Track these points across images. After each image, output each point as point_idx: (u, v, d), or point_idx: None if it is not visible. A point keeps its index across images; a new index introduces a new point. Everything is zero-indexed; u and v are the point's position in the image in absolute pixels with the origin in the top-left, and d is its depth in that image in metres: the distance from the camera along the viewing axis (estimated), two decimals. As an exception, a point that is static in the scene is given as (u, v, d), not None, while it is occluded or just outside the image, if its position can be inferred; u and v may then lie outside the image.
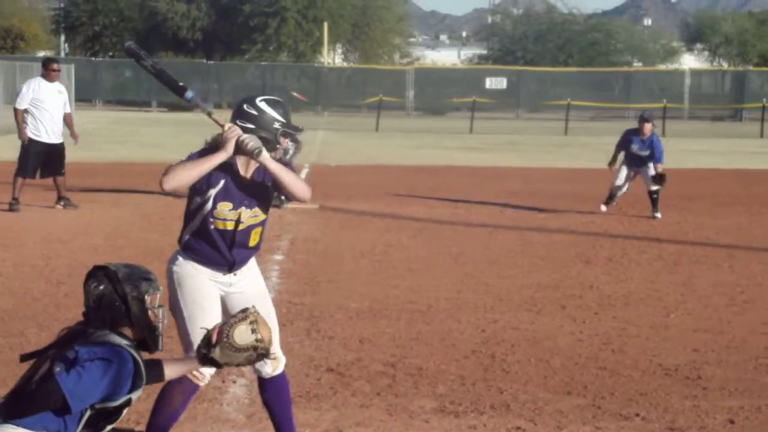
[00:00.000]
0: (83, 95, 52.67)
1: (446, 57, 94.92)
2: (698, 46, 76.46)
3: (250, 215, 5.97)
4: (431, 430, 6.92)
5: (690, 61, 75.29)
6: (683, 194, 21.41)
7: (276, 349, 6.02)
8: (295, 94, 48.00)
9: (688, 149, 35.22)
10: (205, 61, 64.78)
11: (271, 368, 6.18)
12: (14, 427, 4.83)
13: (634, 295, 11.41)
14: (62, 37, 75.90)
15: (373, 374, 8.18)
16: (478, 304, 10.80)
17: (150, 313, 5.11)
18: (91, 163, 25.50)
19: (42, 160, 17.19)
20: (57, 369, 4.85)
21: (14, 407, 4.88)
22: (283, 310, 10.27)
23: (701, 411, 7.42)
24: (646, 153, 17.96)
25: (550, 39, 73.56)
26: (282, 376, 6.26)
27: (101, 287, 5.01)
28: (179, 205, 19.19)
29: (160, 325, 5.17)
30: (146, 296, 5.06)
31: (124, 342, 5.01)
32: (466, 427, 7.00)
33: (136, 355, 5.02)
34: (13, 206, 16.93)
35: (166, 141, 34.60)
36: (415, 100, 61.10)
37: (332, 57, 70.89)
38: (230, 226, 5.91)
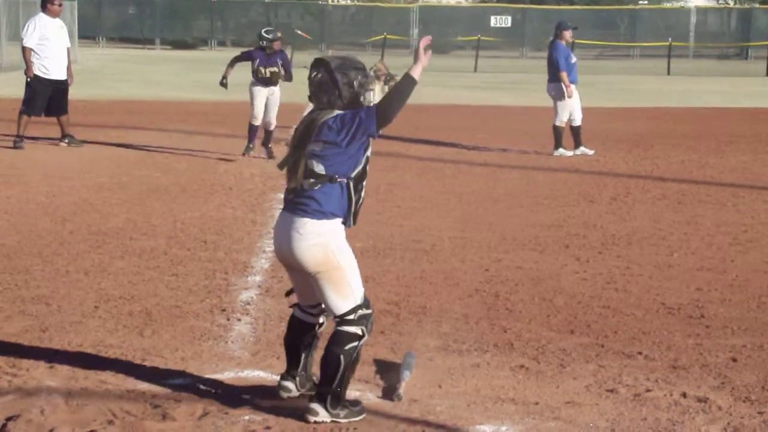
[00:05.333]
0: (86, 32, 52.31)
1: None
2: (704, -17, 75.93)
3: None
4: (435, 368, 6.96)
5: (696, -1, 74.79)
6: (688, 133, 21.38)
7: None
8: (299, 32, 47.79)
9: (693, 88, 35.08)
10: (208, -2, 64.33)
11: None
12: (305, 219, 6.10)
13: (637, 234, 11.42)
14: (65, -27, 75.42)
15: (378, 313, 8.18)
16: (482, 243, 10.82)
17: (360, 96, 6.09)
18: (95, 101, 25.46)
19: (48, 98, 17.18)
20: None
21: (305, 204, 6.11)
22: (288, 249, 10.29)
23: (704, 349, 7.45)
24: (574, 59, 17.91)
25: (555, -24, 73.03)
26: None
27: (319, 75, 6.03)
28: (183, 141, 19.13)
29: (370, 104, 6.09)
30: (355, 82, 6.03)
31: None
32: (470, 365, 7.03)
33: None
34: (17, 143, 16.92)
35: (170, 79, 34.50)
36: (420, 38, 60.70)
37: (336, -6, 70.44)
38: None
